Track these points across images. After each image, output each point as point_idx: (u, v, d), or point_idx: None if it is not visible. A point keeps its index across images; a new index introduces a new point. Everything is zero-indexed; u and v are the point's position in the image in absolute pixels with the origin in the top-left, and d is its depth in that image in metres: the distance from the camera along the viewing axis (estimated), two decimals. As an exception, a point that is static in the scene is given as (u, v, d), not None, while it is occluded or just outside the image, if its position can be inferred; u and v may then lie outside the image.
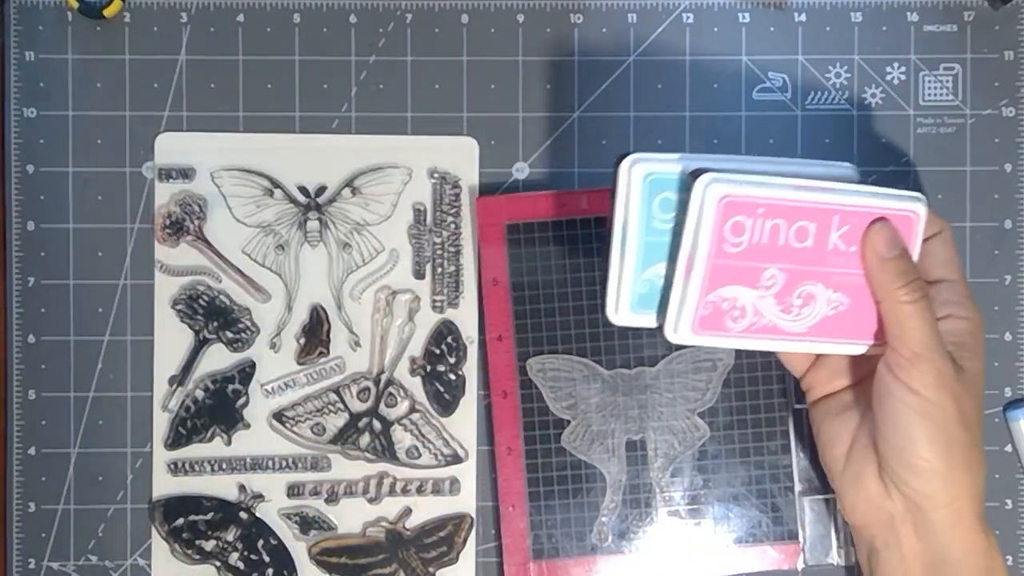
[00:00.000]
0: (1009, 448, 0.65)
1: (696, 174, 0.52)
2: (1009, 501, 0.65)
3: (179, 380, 0.64)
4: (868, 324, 0.55)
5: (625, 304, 0.55)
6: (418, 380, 0.65)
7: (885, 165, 0.65)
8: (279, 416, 0.64)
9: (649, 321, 0.55)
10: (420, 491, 0.64)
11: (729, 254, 0.53)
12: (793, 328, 0.55)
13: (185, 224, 0.64)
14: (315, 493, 0.64)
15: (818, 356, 0.59)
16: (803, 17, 0.65)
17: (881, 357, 0.54)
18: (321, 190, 0.65)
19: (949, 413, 0.53)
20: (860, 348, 0.56)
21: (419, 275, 0.65)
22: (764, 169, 0.54)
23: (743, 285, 0.53)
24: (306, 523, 0.64)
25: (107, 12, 0.64)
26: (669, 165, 0.53)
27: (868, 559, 0.58)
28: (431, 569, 0.64)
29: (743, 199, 0.52)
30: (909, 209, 0.54)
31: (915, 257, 0.54)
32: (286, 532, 0.64)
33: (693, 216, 0.52)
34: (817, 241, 0.53)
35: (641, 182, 0.53)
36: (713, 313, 0.53)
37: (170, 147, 0.65)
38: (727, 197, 0.52)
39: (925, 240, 0.56)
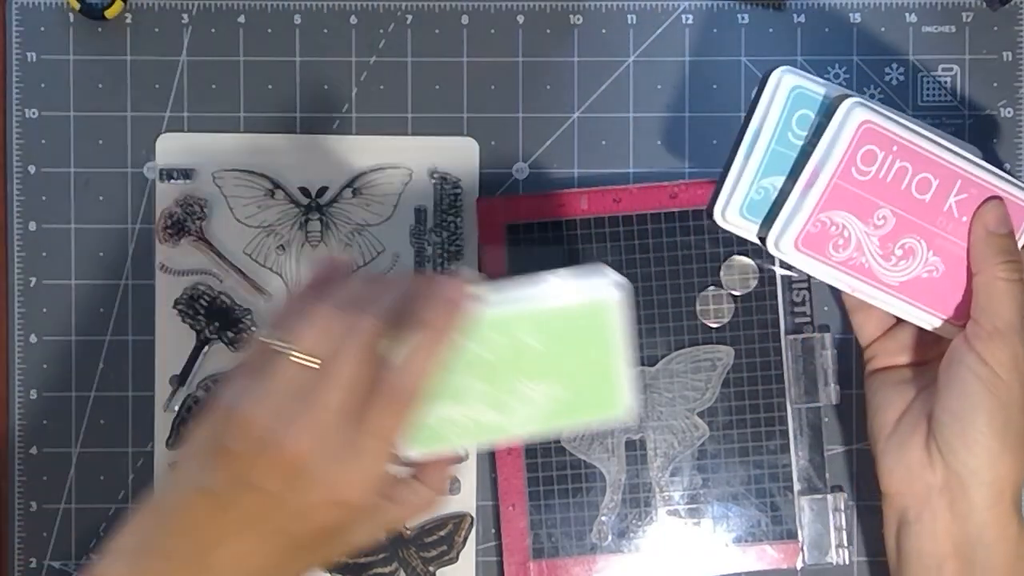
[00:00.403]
0: (1007, 447, 0.65)
1: (843, 98, 0.54)
2: (1007, 500, 0.65)
3: (180, 380, 0.65)
4: (953, 299, 0.56)
5: (736, 207, 0.56)
6: (418, 380, 0.65)
7: (884, 166, 0.65)
8: (280, 416, 0.64)
9: (752, 231, 0.56)
10: (420, 490, 0.64)
11: (853, 179, 0.54)
12: (885, 278, 0.56)
13: (186, 224, 0.64)
14: (316, 492, 0.64)
15: (889, 328, 0.60)
16: (802, 18, 0.65)
17: (953, 339, 0.55)
18: (322, 191, 0.65)
19: (1015, 394, 0.54)
20: (936, 322, 0.57)
21: (419, 275, 0.65)
22: (910, 125, 0.55)
23: (856, 215, 0.54)
24: (307, 522, 0.64)
25: (108, 13, 0.64)
26: (819, 87, 0.55)
27: (897, 531, 0.58)
28: (431, 568, 0.64)
29: (882, 131, 0.54)
30: (1022, 199, 0.56)
31: (1021, 243, 0.56)
32: (287, 531, 0.64)
33: (831, 131, 0.54)
34: (935, 197, 0.55)
35: (787, 93, 0.55)
36: (820, 233, 0.54)
37: (171, 148, 0.65)
38: (868, 123, 0.53)
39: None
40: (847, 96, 0.54)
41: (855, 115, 0.53)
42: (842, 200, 0.54)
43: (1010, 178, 0.56)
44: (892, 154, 0.54)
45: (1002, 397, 0.53)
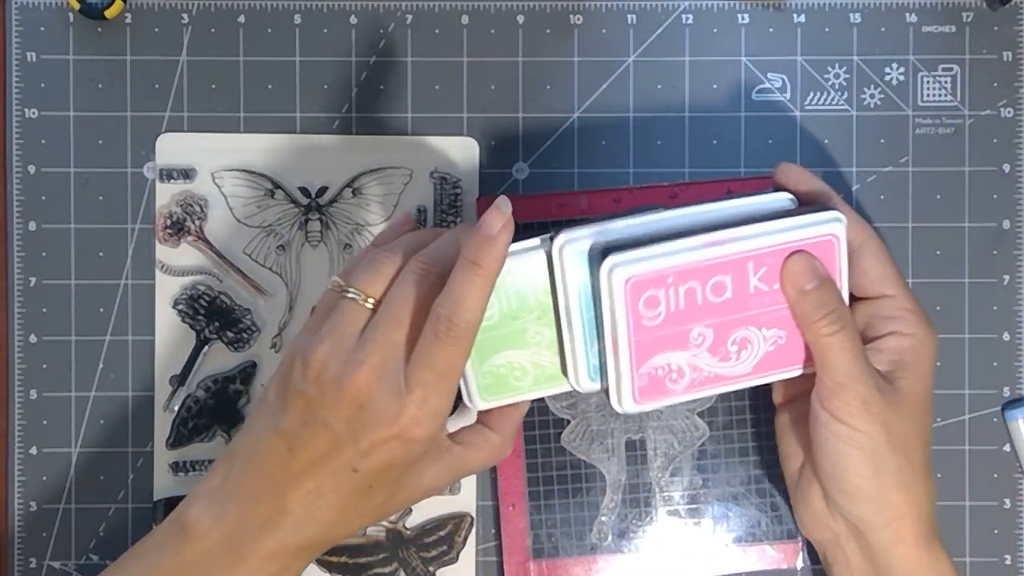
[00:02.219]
0: (1008, 448, 0.65)
1: (606, 252, 0.51)
2: (1008, 501, 0.65)
3: (180, 380, 0.65)
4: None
5: (583, 373, 0.55)
6: (418, 380, 0.65)
7: (884, 166, 0.65)
8: (280, 416, 0.65)
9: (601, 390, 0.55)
10: (420, 490, 0.64)
11: (649, 328, 0.52)
12: (737, 371, 0.54)
13: (186, 224, 0.64)
14: (316, 492, 0.64)
15: None
16: (802, 18, 0.65)
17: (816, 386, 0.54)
18: (322, 191, 0.65)
19: (877, 439, 0.53)
20: (803, 370, 0.55)
21: (419, 275, 0.65)
22: (682, 223, 0.53)
23: (673, 350, 0.53)
24: (307, 522, 0.64)
25: (108, 13, 0.64)
26: (585, 241, 0.53)
27: (825, 571, 0.60)
28: (431, 568, 0.64)
29: (649, 275, 0.51)
30: (826, 233, 0.53)
31: (843, 279, 0.54)
32: (287, 531, 0.64)
33: (605, 301, 0.52)
34: (737, 290, 0.53)
35: (574, 260, 0.53)
36: (651, 382, 0.53)
37: (171, 147, 0.65)
38: (632, 278, 0.51)
39: (853, 254, 0.55)
40: (609, 250, 0.51)
41: (617, 278, 0.51)
42: (651, 347, 0.53)
43: (802, 219, 0.53)
44: (671, 285, 0.52)
45: (864, 446, 0.53)
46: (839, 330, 0.52)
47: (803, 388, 0.58)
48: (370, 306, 0.51)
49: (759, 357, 0.54)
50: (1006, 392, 0.65)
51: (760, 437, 0.64)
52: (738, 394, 0.64)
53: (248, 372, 0.65)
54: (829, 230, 0.53)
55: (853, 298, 0.56)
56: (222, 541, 0.51)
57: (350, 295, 0.51)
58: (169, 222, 0.64)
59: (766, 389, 0.64)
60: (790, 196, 0.55)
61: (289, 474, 0.50)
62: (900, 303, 0.55)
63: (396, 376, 0.50)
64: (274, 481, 0.51)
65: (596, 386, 0.55)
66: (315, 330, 0.51)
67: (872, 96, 0.65)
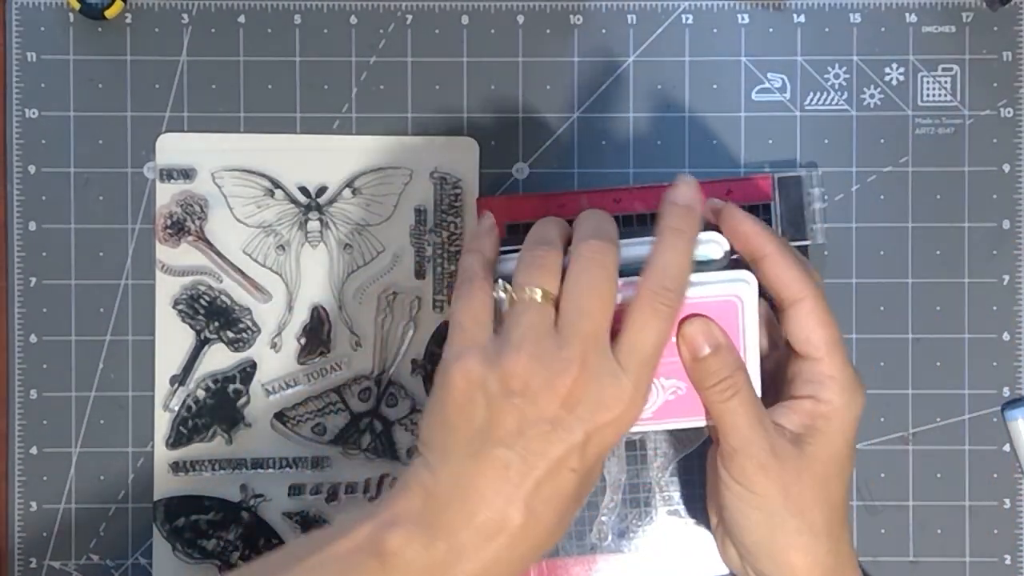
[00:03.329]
0: (1007, 448, 0.65)
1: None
2: (1008, 501, 0.65)
3: (180, 380, 0.65)
4: None
5: None
6: (419, 380, 0.65)
7: (884, 166, 0.65)
8: (280, 416, 0.65)
9: None
10: (420, 490, 0.64)
11: None
12: None
13: (186, 224, 0.64)
14: (316, 493, 0.64)
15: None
16: (802, 18, 0.65)
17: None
18: (322, 190, 0.65)
19: (773, 501, 0.52)
20: (703, 422, 0.55)
21: (420, 275, 0.65)
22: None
23: None
24: (307, 523, 0.64)
25: (108, 13, 0.64)
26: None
27: None
28: (431, 568, 0.64)
29: None
30: (730, 294, 0.53)
31: (748, 339, 0.53)
32: (287, 532, 0.65)
33: None
34: None
35: None
36: None
37: (171, 147, 0.65)
38: None
39: (786, 308, 0.54)
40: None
41: None
42: None
43: (708, 277, 0.52)
44: None
45: (761, 508, 0.53)
46: (732, 396, 0.52)
47: None
48: (551, 303, 0.50)
49: (658, 405, 0.54)
50: (1006, 392, 0.65)
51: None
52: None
53: (248, 372, 0.65)
54: (734, 291, 0.53)
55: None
56: (431, 568, 0.49)
57: (528, 296, 0.50)
58: (169, 222, 0.65)
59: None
60: (724, 245, 0.54)
61: (508, 491, 0.49)
62: (823, 368, 0.54)
63: (606, 363, 0.49)
64: (490, 503, 0.49)
65: None
66: (472, 343, 0.50)
67: (872, 96, 0.65)
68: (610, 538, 0.64)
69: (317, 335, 0.65)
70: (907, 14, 0.65)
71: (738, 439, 0.52)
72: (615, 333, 0.50)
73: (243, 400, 0.65)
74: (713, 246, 0.54)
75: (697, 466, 0.64)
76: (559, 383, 0.48)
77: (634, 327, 0.50)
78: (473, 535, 0.49)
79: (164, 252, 0.65)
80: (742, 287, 0.53)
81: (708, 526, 0.64)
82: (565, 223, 0.54)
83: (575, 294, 0.50)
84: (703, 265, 0.53)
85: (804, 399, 0.54)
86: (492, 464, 0.49)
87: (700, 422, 0.54)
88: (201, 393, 0.65)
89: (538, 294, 0.50)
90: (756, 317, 0.53)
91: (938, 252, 0.65)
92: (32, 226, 0.65)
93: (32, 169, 0.65)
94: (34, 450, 0.65)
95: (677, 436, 0.64)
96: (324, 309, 0.65)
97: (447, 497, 0.49)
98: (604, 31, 0.65)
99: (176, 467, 0.65)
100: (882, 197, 0.65)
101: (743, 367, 0.53)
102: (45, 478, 0.65)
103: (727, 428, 0.52)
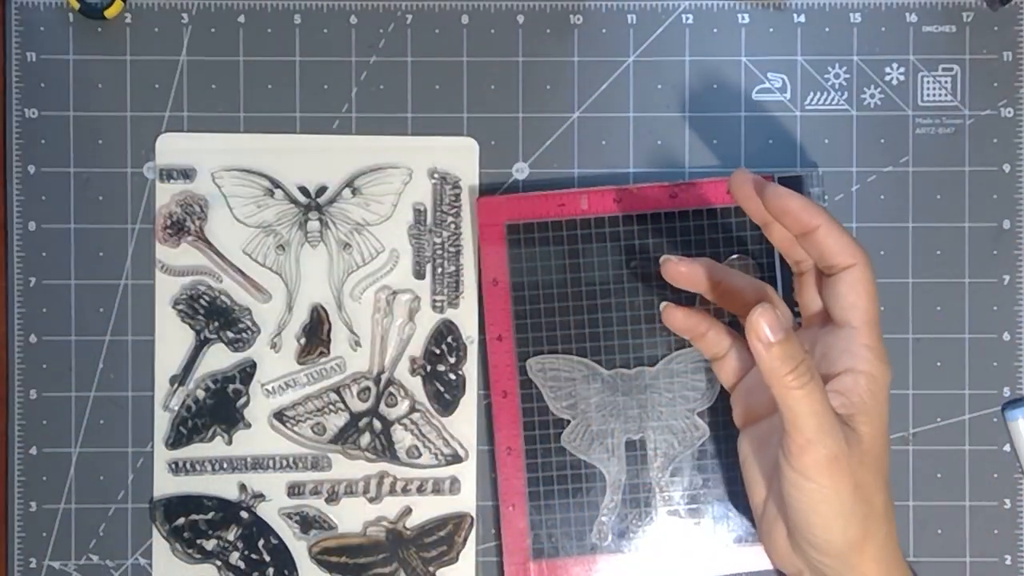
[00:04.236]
0: (1008, 448, 0.65)
1: None
2: (1008, 501, 0.65)
3: (180, 380, 0.65)
4: None
5: None
6: (418, 380, 0.65)
7: (884, 166, 0.65)
8: (280, 416, 0.65)
9: None
10: (420, 491, 0.65)
11: None
12: None
13: (186, 224, 0.64)
14: (315, 492, 0.64)
15: (744, 376, 0.59)
16: (802, 18, 0.65)
17: (781, 441, 0.53)
18: (321, 190, 0.65)
19: (844, 495, 0.52)
20: None
21: (419, 275, 0.65)
22: None
23: None
24: (306, 522, 0.64)
25: (108, 13, 0.64)
26: None
27: None
28: (431, 568, 0.64)
29: None
30: None
31: None
32: (287, 531, 0.65)
33: None
34: None
35: None
36: None
37: (171, 147, 0.65)
38: None
39: (835, 274, 0.54)
40: None
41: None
42: None
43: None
44: None
45: (833, 503, 0.52)
46: (807, 383, 0.51)
47: (763, 411, 0.58)
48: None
49: None
50: (1006, 392, 0.65)
51: (760, 437, 0.64)
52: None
53: (247, 372, 0.65)
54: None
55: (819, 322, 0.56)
56: None
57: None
58: (169, 222, 0.65)
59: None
60: None
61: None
62: (860, 337, 0.54)
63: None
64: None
65: None
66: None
67: (872, 96, 0.65)
68: (610, 538, 0.64)
69: (317, 335, 0.65)
70: (907, 14, 0.65)
71: (811, 430, 0.51)
72: None
73: (243, 400, 0.65)
74: None
75: (698, 465, 0.64)
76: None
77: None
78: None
79: (164, 252, 0.65)
80: None
81: (706, 524, 0.64)
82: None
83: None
84: None
85: (842, 375, 0.54)
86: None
87: None
88: (201, 393, 0.65)
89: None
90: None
91: (938, 252, 0.65)
92: (32, 226, 0.65)
93: (32, 169, 0.65)
94: (34, 450, 0.65)
95: (677, 436, 0.64)
96: (324, 309, 0.65)
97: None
98: (604, 31, 0.65)
99: (176, 467, 0.65)
100: (882, 197, 0.65)
101: (809, 355, 0.52)
102: (45, 478, 0.65)
103: (801, 419, 0.51)
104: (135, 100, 0.65)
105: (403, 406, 0.65)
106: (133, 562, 0.65)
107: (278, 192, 0.65)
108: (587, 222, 0.64)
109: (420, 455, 0.65)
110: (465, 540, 0.64)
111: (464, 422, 0.65)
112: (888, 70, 0.65)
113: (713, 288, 0.59)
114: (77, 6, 0.64)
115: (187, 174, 0.65)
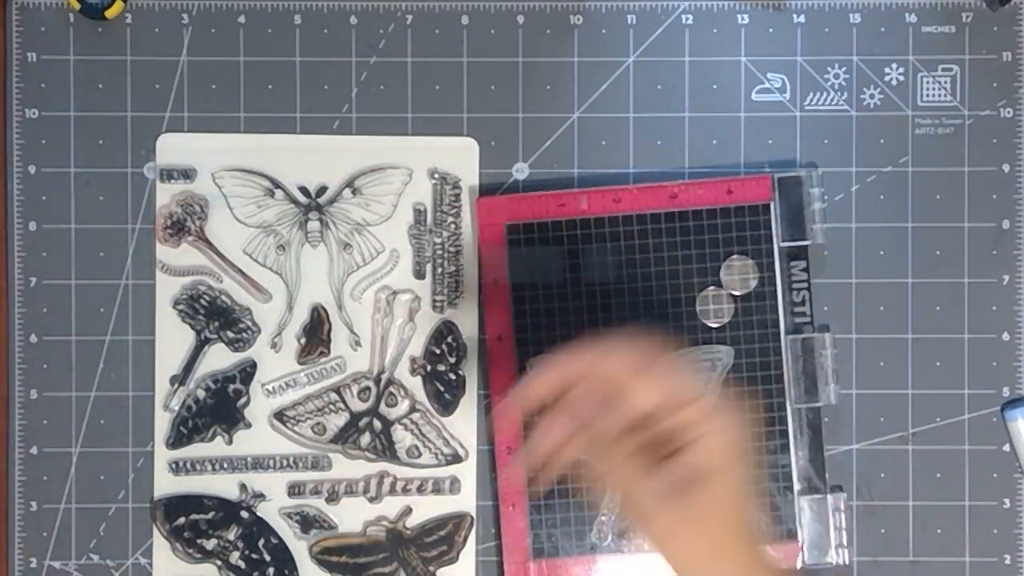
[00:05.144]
0: (1008, 448, 0.65)
1: None
2: (1008, 501, 0.65)
3: (180, 380, 0.65)
4: None
5: None
6: (418, 380, 0.65)
7: (884, 166, 0.65)
8: (280, 415, 0.65)
9: None
10: (420, 490, 0.65)
11: None
12: None
13: (186, 224, 0.65)
14: (316, 492, 0.64)
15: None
16: (802, 18, 0.65)
17: None
18: (322, 190, 0.65)
19: (686, 553, 0.51)
20: None
21: (419, 275, 0.65)
22: None
23: None
24: (307, 522, 0.64)
25: (108, 13, 0.64)
26: None
27: None
28: (431, 568, 0.64)
29: None
30: None
31: None
32: (287, 531, 0.65)
33: None
34: None
35: None
36: None
37: (171, 148, 0.65)
38: None
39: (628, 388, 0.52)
40: None
41: None
42: None
43: None
44: None
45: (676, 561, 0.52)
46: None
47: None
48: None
49: None
50: (1006, 392, 0.65)
51: (759, 437, 0.64)
52: (738, 394, 0.64)
53: (248, 372, 0.65)
54: None
55: None
56: None
57: None
58: (169, 222, 0.65)
59: (764, 389, 0.64)
60: None
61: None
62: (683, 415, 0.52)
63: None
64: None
65: None
66: None
67: (872, 96, 0.65)
68: (610, 538, 0.64)
69: (317, 335, 0.65)
70: (907, 14, 0.65)
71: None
72: None
73: (243, 400, 0.65)
74: None
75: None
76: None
77: None
78: None
79: (164, 252, 0.65)
80: None
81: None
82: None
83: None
84: None
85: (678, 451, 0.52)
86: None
87: None
88: (201, 393, 0.65)
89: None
90: None
91: (938, 252, 0.65)
92: (32, 226, 0.65)
93: (32, 169, 0.65)
94: (34, 450, 0.65)
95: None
96: (324, 309, 0.65)
97: None
98: (604, 31, 0.65)
99: (176, 467, 0.65)
100: (882, 197, 0.65)
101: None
102: (45, 478, 0.65)
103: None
104: (135, 100, 0.65)
105: (403, 406, 0.65)
106: (133, 562, 0.65)
107: (278, 192, 0.65)
108: (587, 222, 0.64)
109: (420, 455, 0.65)
110: (465, 540, 0.64)
111: (464, 422, 0.65)
112: (888, 70, 0.65)
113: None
114: (78, 6, 0.64)
115: (187, 174, 0.65)
